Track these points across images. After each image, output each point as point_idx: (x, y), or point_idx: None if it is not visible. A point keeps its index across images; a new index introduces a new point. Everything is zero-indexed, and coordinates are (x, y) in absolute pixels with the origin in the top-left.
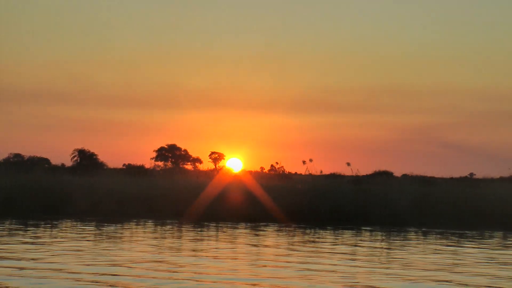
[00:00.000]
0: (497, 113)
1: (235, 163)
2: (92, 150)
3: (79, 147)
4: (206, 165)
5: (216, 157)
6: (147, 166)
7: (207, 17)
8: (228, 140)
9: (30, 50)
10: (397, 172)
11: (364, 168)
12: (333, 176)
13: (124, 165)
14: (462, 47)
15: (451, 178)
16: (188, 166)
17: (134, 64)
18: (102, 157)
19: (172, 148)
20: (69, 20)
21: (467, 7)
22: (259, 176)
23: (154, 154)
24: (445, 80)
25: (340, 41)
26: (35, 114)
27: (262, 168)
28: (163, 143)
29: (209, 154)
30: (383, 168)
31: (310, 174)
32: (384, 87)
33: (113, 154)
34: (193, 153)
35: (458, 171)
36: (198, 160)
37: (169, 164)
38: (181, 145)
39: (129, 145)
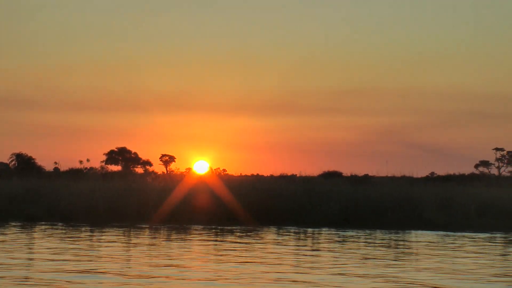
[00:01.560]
0: (461, 113)
1: (202, 166)
2: (31, 155)
3: (22, 151)
4: (157, 167)
5: (167, 160)
6: (97, 169)
7: (173, 21)
8: (195, 143)
9: None
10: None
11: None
12: (283, 178)
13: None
14: (425, 47)
15: (392, 177)
16: (139, 169)
17: (100, 69)
18: (48, 163)
19: (122, 151)
20: (34, 26)
21: (431, 8)
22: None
23: (104, 157)
24: (408, 80)
25: (305, 44)
26: None
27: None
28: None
29: (159, 156)
30: (349, 170)
31: (258, 175)
32: (349, 89)
33: (65, 158)
34: (143, 156)
35: (423, 171)
36: (148, 162)
37: (119, 167)
38: (142, 148)
39: (84, 148)
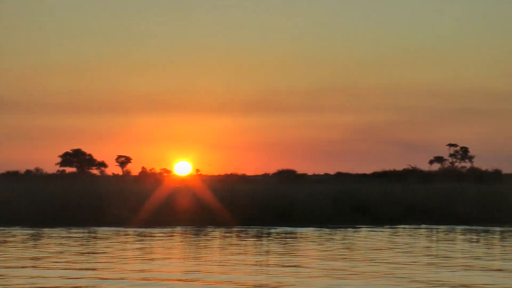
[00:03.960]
0: (440, 110)
1: (184, 166)
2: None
3: None
4: (113, 169)
5: (123, 161)
6: (51, 171)
7: (156, 21)
8: (178, 143)
9: None
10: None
11: (314, 167)
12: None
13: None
14: (404, 45)
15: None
16: (94, 171)
17: (82, 71)
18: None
19: (77, 153)
20: (13, 28)
21: (408, 6)
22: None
23: (59, 159)
24: (388, 79)
25: (288, 44)
26: None
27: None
28: (114, 149)
29: (115, 157)
30: (333, 167)
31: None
32: (329, 88)
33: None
34: (98, 158)
35: (401, 167)
36: (103, 164)
37: (73, 168)
38: (132, 150)
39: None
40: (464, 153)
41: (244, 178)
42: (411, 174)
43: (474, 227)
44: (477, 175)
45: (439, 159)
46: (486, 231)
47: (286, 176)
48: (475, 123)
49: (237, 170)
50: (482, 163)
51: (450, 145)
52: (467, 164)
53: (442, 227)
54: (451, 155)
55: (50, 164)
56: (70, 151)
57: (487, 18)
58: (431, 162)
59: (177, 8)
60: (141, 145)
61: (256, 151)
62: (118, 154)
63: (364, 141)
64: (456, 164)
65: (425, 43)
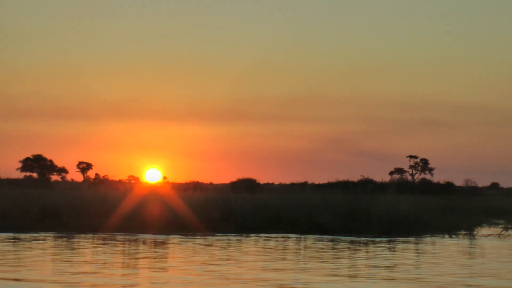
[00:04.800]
0: (410, 120)
1: (154, 174)
2: None
3: None
4: (73, 175)
5: (84, 167)
6: (13, 176)
7: (123, 29)
8: (146, 151)
9: None
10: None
11: (277, 177)
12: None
13: None
14: (373, 56)
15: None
16: (55, 176)
17: (47, 76)
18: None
19: (38, 159)
20: None
21: (378, 17)
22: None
23: (20, 165)
24: (357, 88)
25: (254, 52)
26: None
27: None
28: (79, 156)
29: (76, 164)
30: (295, 178)
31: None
32: (298, 97)
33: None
34: (60, 164)
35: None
36: (64, 170)
37: (34, 174)
38: (98, 157)
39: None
40: (424, 165)
41: (201, 186)
42: (365, 184)
43: (337, 237)
44: (427, 187)
45: (399, 171)
46: (336, 241)
47: (244, 185)
48: (440, 135)
49: (202, 179)
50: (444, 175)
51: (410, 156)
52: (428, 176)
53: (301, 236)
54: (411, 167)
55: (10, 169)
56: (31, 157)
57: (449, 32)
58: (391, 173)
59: (145, 14)
60: (108, 152)
61: (225, 160)
62: (79, 161)
63: (332, 151)
64: (416, 176)
65: (391, 55)
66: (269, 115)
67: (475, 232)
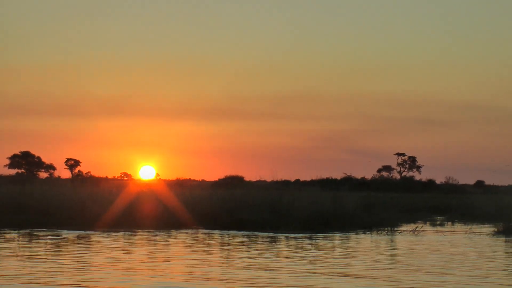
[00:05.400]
0: (404, 118)
1: (148, 171)
2: None
3: None
4: (61, 171)
5: (72, 164)
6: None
7: (117, 26)
8: (140, 148)
9: None
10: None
11: (271, 175)
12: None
13: None
14: (368, 54)
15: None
16: (43, 173)
17: (40, 73)
18: None
19: (26, 155)
20: None
21: (369, 19)
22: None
23: (8, 161)
24: (352, 87)
25: (249, 51)
26: None
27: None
28: (69, 153)
29: (64, 160)
30: (288, 175)
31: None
32: (292, 95)
33: None
34: (47, 160)
35: (359, 175)
36: (51, 166)
37: (22, 170)
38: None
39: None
40: (412, 162)
41: (192, 183)
42: (346, 182)
43: (254, 233)
44: (407, 185)
45: (387, 168)
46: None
47: (230, 182)
48: (432, 134)
49: (195, 176)
50: (433, 173)
51: (398, 154)
52: (415, 174)
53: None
54: (398, 164)
55: None
56: (19, 153)
57: (443, 31)
58: (379, 170)
59: (139, 13)
60: (100, 149)
61: (219, 157)
62: (67, 157)
63: (325, 148)
64: (404, 173)
65: (389, 55)
66: (262, 113)
67: (396, 228)
